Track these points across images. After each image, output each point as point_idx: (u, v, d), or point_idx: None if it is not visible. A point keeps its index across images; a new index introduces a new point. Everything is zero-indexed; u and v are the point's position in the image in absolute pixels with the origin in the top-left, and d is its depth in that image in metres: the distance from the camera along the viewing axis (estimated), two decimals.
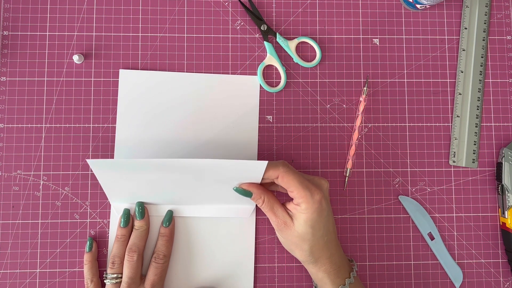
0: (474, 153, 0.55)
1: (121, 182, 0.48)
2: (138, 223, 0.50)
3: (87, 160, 0.45)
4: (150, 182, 0.48)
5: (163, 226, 0.51)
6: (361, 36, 0.56)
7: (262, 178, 0.46)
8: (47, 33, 0.54)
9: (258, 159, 0.53)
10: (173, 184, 0.48)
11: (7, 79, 0.53)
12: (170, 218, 0.51)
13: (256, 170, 0.45)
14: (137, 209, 0.50)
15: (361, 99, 0.54)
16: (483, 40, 0.56)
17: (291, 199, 0.47)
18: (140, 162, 0.45)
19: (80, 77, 0.53)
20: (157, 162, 0.45)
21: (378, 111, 0.55)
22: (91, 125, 0.53)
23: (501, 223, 0.54)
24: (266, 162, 0.44)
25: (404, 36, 0.56)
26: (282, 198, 0.51)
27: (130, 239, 0.49)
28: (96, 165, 0.46)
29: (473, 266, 0.54)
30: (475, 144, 0.55)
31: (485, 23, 0.56)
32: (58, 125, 0.53)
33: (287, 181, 0.45)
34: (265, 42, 0.54)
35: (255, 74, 0.54)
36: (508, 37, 0.57)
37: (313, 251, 0.46)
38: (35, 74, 0.53)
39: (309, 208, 0.45)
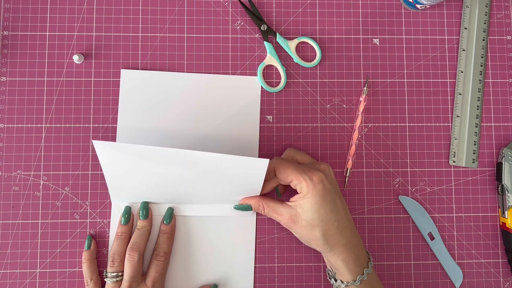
0: (474, 153, 0.55)
1: (124, 171, 0.47)
2: (141, 223, 0.50)
3: (93, 141, 0.44)
4: (153, 175, 0.47)
5: (163, 223, 0.50)
6: (361, 36, 0.56)
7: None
8: (47, 33, 0.54)
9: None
10: (175, 179, 0.48)
11: (7, 79, 0.53)
12: (170, 215, 0.51)
13: (258, 167, 0.45)
14: (141, 209, 0.50)
15: (361, 99, 0.54)
16: (483, 40, 0.56)
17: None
18: (145, 148, 0.44)
19: (80, 77, 0.53)
20: (163, 151, 0.44)
21: (378, 111, 0.55)
22: (91, 125, 0.53)
23: (501, 223, 0.54)
24: (268, 160, 0.44)
25: (404, 36, 0.56)
26: (285, 199, 0.51)
27: (132, 238, 0.49)
28: (102, 148, 0.45)
29: (473, 266, 0.54)
30: (475, 144, 0.55)
31: (485, 23, 0.56)
32: (58, 125, 0.53)
33: (283, 172, 0.46)
34: (265, 42, 0.54)
35: (255, 74, 0.54)
36: (508, 37, 0.57)
37: (326, 238, 0.46)
38: (35, 74, 0.53)
39: (311, 191, 0.45)
